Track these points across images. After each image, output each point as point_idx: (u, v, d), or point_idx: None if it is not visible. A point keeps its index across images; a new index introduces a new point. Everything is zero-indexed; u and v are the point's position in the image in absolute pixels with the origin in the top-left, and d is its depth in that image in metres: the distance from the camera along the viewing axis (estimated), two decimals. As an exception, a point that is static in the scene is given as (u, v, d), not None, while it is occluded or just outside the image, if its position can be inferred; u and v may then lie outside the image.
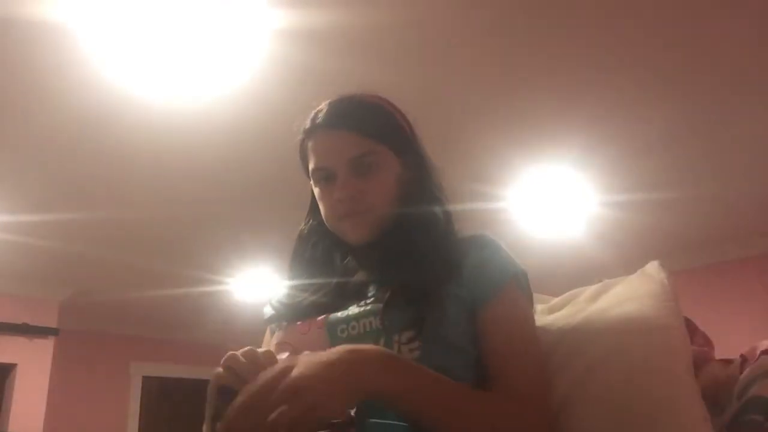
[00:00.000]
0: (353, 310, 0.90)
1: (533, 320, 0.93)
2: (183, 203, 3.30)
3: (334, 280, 0.98)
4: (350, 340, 0.88)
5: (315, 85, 2.27)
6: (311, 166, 0.96)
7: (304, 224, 1.05)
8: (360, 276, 0.95)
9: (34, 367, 4.37)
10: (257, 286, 4.50)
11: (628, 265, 1.18)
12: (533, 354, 0.87)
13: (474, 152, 2.91)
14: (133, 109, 2.44)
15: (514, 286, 0.91)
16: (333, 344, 0.88)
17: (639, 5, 2.04)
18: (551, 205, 3.53)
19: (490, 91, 2.49)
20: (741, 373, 1.08)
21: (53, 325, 4.51)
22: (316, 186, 0.98)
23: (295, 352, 0.92)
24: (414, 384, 0.74)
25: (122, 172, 2.94)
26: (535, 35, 2.16)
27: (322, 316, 0.92)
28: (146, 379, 5.81)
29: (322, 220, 0.99)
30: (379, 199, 0.93)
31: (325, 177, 0.95)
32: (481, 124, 2.71)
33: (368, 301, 0.90)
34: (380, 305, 0.87)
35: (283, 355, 0.75)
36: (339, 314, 0.91)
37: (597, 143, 2.90)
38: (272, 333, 1.01)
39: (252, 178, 3.05)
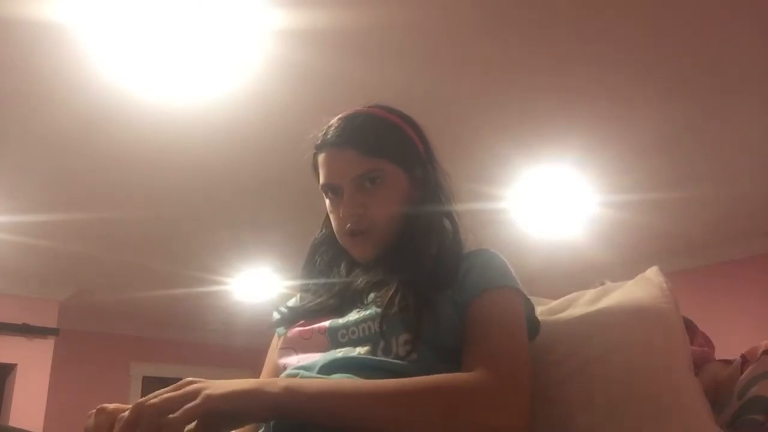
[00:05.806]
0: (353, 315, 0.91)
1: (522, 319, 0.89)
2: (183, 203, 3.30)
3: (337, 286, 1.00)
4: (350, 344, 0.89)
5: (315, 86, 2.27)
6: (321, 180, 1.00)
7: (318, 233, 1.08)
8: (361, 281, 0.96)
9: (34, 367, 4.37)
10: (257, 286, 4.50)
11: (628, 265, 1.19)
12: (510, 339, 0.83)
13: (474, 152, 2.91)
14: (132, 110, 2.44)
15: (506, 293, 0.89)
16: (334, 349, 0.89)
17: (640, 6, 2.04)
18: (551, 205, 3.52)
19: (490, 91, 2.49)
20: (741, 373, 1.08)
21: (53, 325, 4.51)
22: (326, 198, 1.01)
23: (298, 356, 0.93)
24: (319, 394, 0.75)
25: (122, 172, 2.94)
26: (535, 35, 2.16)
27: (325, 322, 0.93)
28: (146, 379, 5.81)
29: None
30: (383, 215, 0.96)
31: (333, 190, 0.99)
32: (481, 124, 2.71)
33: (367, 306, 0.91)
34: (378, 309, 0.87)
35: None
36: (340, 320, 0.92)
37: (597, 143, 2.90)
38: (279, 337, 1.03)
39: (252, 178, 3.05)
